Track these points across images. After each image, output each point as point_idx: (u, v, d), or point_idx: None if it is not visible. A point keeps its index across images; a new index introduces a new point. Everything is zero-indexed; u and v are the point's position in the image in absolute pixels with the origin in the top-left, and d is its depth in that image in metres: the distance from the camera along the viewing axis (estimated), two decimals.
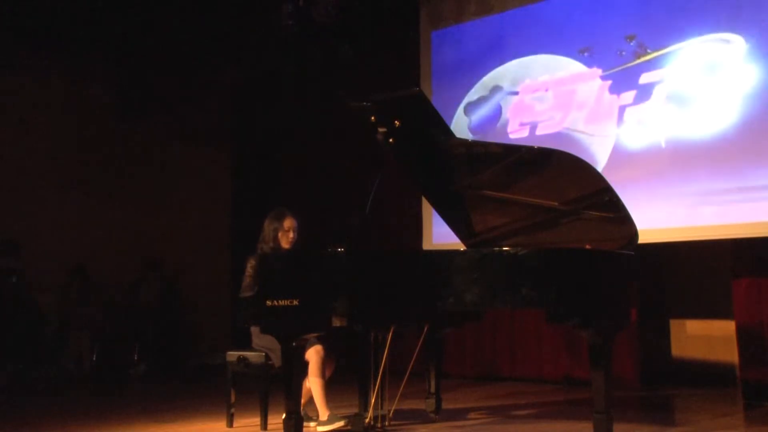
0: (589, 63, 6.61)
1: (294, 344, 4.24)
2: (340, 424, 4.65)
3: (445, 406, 5.22)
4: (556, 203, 4.32)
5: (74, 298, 8.62)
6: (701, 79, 6.02)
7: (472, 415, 5.43)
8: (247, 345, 5.02)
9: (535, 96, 6.95)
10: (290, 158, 9.41)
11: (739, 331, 6.00)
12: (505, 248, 3.95)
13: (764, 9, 5.74)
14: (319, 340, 4.72)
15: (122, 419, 5.49)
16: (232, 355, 4.99)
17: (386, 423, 4.73)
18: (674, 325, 7.06)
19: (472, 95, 7.33)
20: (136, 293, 9.12)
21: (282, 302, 4.15)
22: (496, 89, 7.21)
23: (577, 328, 3.89)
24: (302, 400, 4.50)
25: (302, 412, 4.44)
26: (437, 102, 7.47)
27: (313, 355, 4.66)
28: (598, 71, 6.53)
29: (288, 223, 4.96)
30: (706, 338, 6.81)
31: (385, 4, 8.01)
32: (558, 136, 6.70)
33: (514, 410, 5.63)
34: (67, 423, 5.40)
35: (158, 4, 8.18)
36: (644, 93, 6.29)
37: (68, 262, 8.65)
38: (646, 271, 6.35)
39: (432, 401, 5.13)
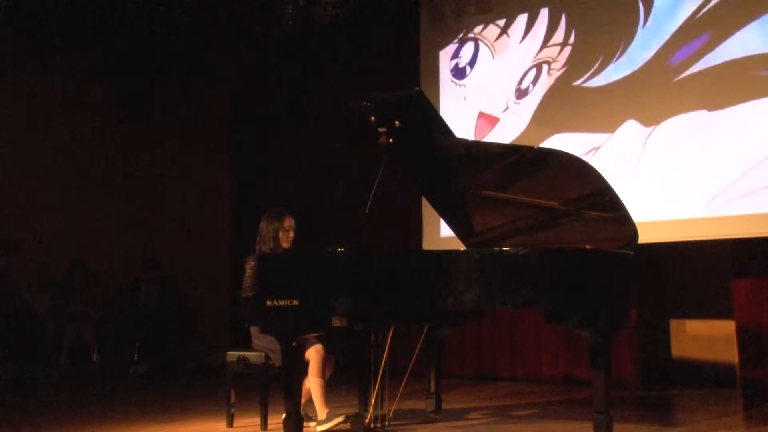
0: None
1: (294, 344, 4.24)
2: (339, 420, 4.65)
3: (445, 406, 5.21)
4: (556, 203, 4.32)
5: (74, 292, 8.61)
6: None
7: (472, 415, 5.43)
8: (247, 345, 5.02)
9: None
10: (290, 158, 9.41)
11: (739, 331, 6.00)
12: (505, 248, 3.96)
13: None
14: (319, 340, 4.72)
15: (122, 419, 5.50)
16: (232, 355, 4.99)
17: (386, 423, 4.73)
18: (674, 325, 7.07)
19: None
20: (136, 293, 9.12)
21: (282, 302, 4.15)
22: None
23: (577, 328, 3.89)
24: (302, 400, 4.50)
25: (302, 412, 4.44)
26: (438, 102, 7.49)
27: (313, 355, 4.66)
28: None
29: (288, 222, 4.96)
30: (706, 338, 6.81)
31: (385, 4, 8.01)
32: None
33: (514, 410, 5.63)
34: (67, 423, 5.40)
35: (158, 4, 8.17)
36: None
37: (68, 262, 8.66)
38: (646, 271, 6.35)
39: (432, 401, 5.13)
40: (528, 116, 6.91)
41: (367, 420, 4.59)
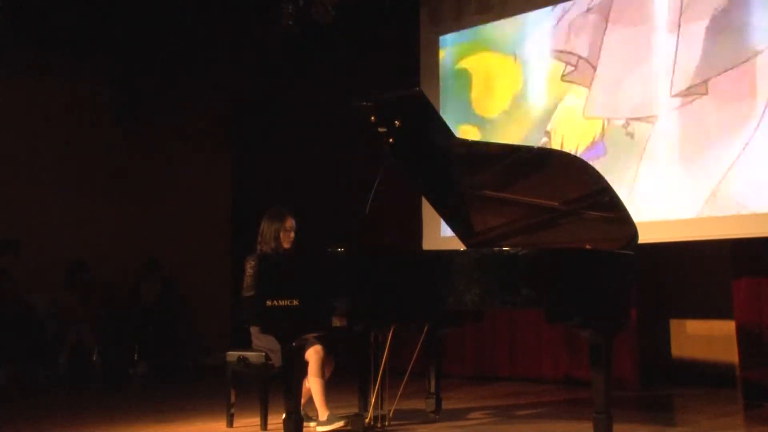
0: None
1: (294, 344, 4.24)
2: (339, 424, 4.65)
3: (445, 406, 5.21)
4: (556, 203, 4.32)
5: (74, 292, 8.61)
6: None
7: (472, 415, 5.43)
8: (247, 345, 5.02)
9: None
10: (290, 158, 9.41)
11: (739, 331, 6.00)
12: (505, 248, 3.95)
13: None
14: (319, 340, 4.72)
15: (122, 419, 5.49)
16: (232, 355, 4.99)
17: (386, 423, 4.73)
18: (674, 325, 7.06)
19: None
20: (136, 293, 9.13)
21: (282, 302, 4.15)
22: None
23: (577, 328, 3.90)
24: (302, 400, 4.50)
25: (302, 412, 4.44)
26: (438, 102, 7.49)
27: (313, 355, 4.66)
28: None
29: (289, 223, 4.96)
30: (706, 338, 6.81)
31: (385, 4, 8.01)
32: None
33: (514, 410, 5.63)
34: (66, 423, 5.40)
35: (158, 4, 8.17)
36: None
37: (68, 262, 8.66)
38: (646, 271, 6.35)
39: (432, 401, 5.13)
40: None
41: (367, 420, 4.59)
